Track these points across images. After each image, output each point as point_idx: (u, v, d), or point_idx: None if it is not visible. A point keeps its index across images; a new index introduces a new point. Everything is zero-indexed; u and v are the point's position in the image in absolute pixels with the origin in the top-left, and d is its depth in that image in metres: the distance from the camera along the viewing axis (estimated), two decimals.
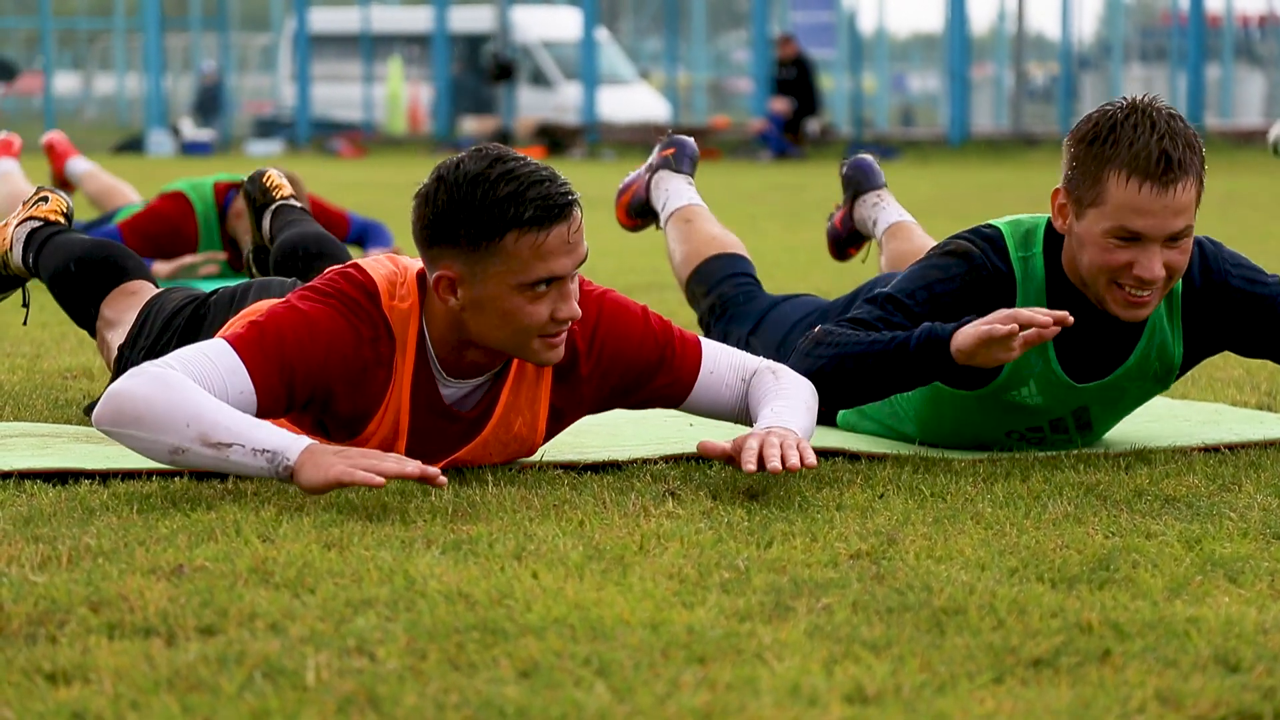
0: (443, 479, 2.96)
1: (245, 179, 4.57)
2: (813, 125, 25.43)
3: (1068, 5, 29.65)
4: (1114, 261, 3.36)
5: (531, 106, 32.15)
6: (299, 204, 4.46)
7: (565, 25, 34.64)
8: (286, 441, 2.93)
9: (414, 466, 2.93)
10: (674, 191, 4.67)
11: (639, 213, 4.81)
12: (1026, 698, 2.11)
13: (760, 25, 28.13)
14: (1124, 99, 3.39)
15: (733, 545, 2.79)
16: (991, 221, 3.56)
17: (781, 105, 24.79)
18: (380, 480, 2.89)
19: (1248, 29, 39.86)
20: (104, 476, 3.19)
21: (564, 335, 3.16)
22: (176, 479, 3.17)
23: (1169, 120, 3.33)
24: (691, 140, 4.83)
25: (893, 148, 25.79)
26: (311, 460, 2.92)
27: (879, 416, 3.77)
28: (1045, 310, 3.26)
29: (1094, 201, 3.34)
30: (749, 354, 3.45)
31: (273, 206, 4.43)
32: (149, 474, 3.20)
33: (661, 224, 4.67)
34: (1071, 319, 3.26)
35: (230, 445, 2.92)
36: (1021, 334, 3.25)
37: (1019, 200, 15.22)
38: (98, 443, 3.45)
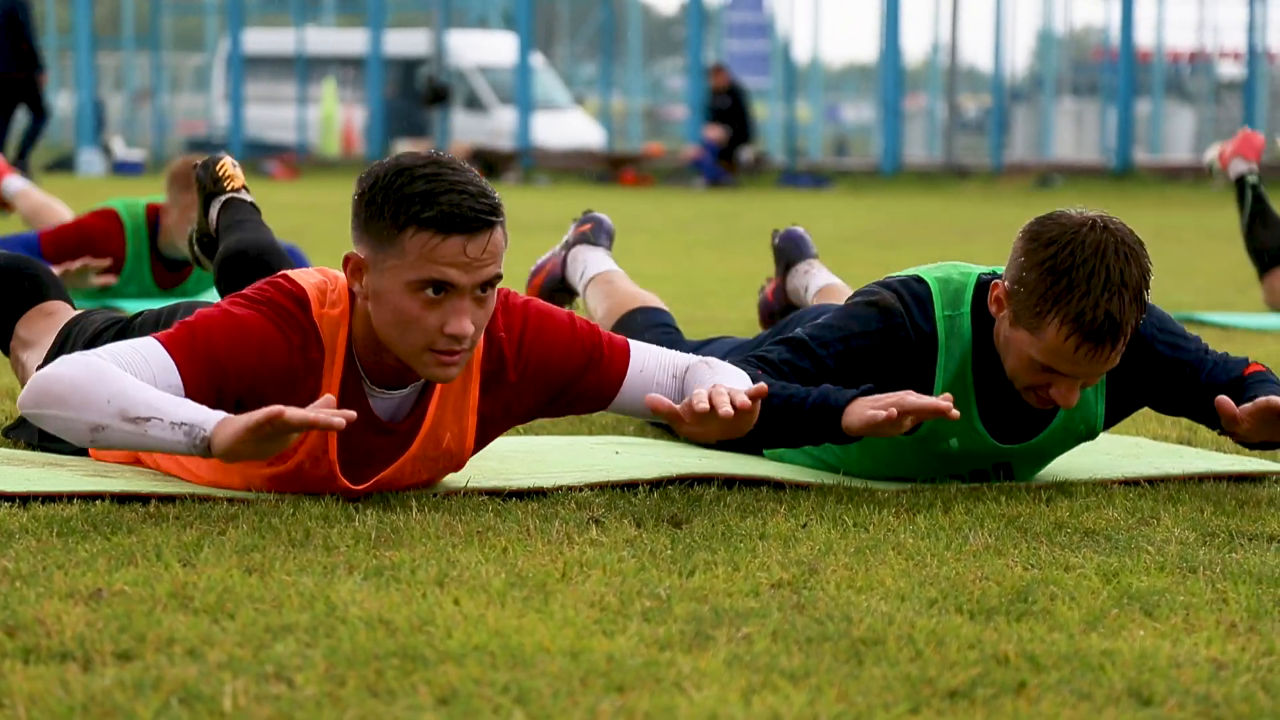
0: (340, 422, 2.91)
1: (198, 163, 4.50)
2: (747, 153, 25.54)
3: (1000, 38, 29.89)
4: (1035, 380, 3.43)
5: (466, 130, 32.14)
6: (249, 199, 4.42)
7: (501, 50, 34.66)
8: (204, 415, 2.95)
9: (313, 414, 2.90)
10: (592, 261, 4.67)
11: (552, 293, 4.76)
12: None
13: (695, 53, 28.23)
14: (1089, 221, 3.33)
15: (655, 573, 2.80)
16: (923, 274, 3.57)
17: (716, 133, 24.88)
18: (277, 410, 2.86)
19: (1178, 65, 40.26)
20: (24, 499, 3.17)
21: (458, 356, 3.13)
22: (98, 503, 3.16)
23: (1124, 267, 3.30)
24: (608, 218, 4.83)
25: (825, 177, 25.92)
26: (225, 425, 2.92)
27: (808, 448, 3.79)
28: (932, 401, 3.27)
29: (1031, 329, 3.37)
30: (681, 353, 3.45)
31: (222, 198, 4.39)
32: (70, 497, 3.18)
33: (581, 291, 4.65)
34: (958, 414, 3.29)
35: (149, 419, 2.93)
36: (917, 408, 3.27)
37: (949, 232, 15.33)
38: (17, 465, 3.43)
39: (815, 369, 3.49)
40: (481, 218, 3.08)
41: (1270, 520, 3.29)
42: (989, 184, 24.86)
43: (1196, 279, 10.16)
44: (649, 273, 10.25)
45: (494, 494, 3.37)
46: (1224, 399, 3.46)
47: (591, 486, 3.45)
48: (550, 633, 2.43)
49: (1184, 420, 4.55)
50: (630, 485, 3.46)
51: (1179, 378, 3.57)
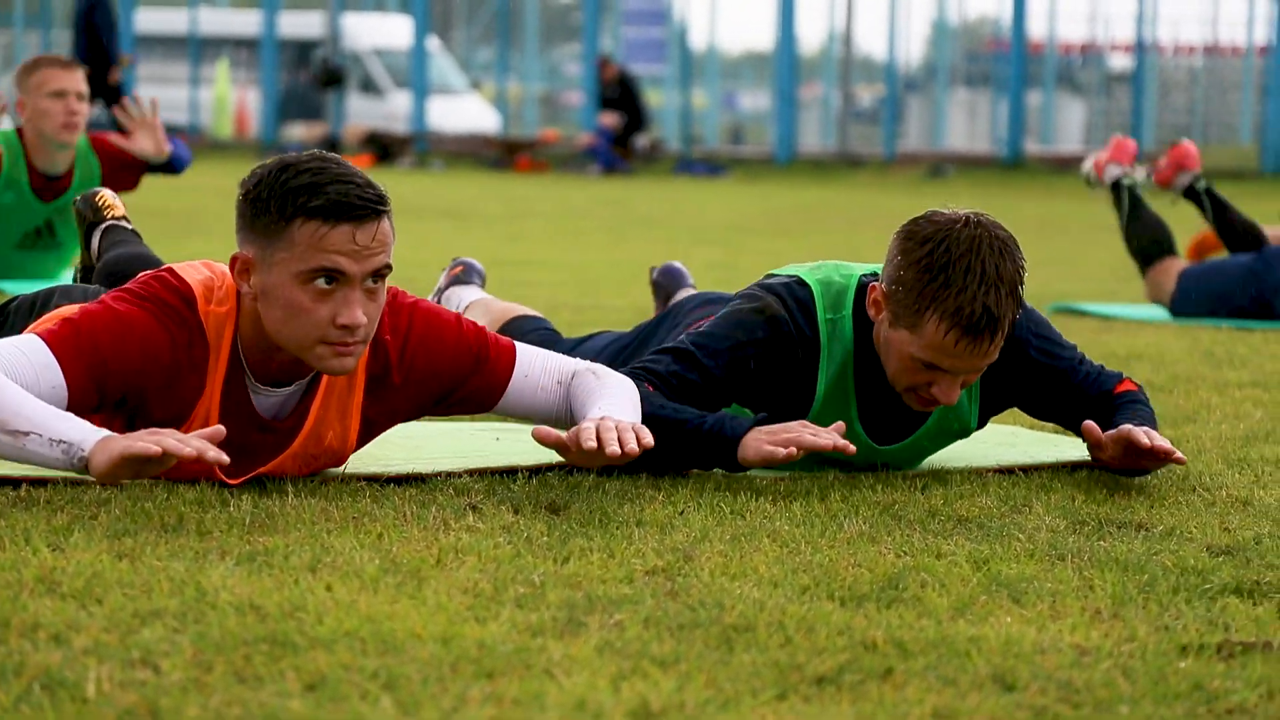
0: (223, 459, 2.91)
1: (77, 198, 4.52)
2: (642, 140, 25.55)
3: (894, 28, 30.04)
4: (914, 380, 3.46)
5: (360, 114, 31.96)
6: (129, 225, 4.42)
7: (396, 33, 34.49)
8: (84, 433, 2.91)
9: (192, 448, 2.89)
10: (467, 295, 4.77)
11: None
12: (808, 714, 2.14)
13: (591, 39, 28.21)
14: (961, 218, 3.38)
15: (530, 560, 2.81)
16: (804, 276, 3.59)
17: (611, 120, 24.89)
18: (156, 450, 2.85)
19: (1069, 57, 40.63)
20: None
21: (353, 347, 3.13)
22: None
23: (999, 262, 3.34)
24: (478, 262, 4.92)
25: (721, 165, 25.98)
26: (103, 447, 2.89)
27: None
28: (829, 440, 3.32)
29: (910, 327, 3.40)
30: (567, 357, 3.46)
31: (103, 225, 4.37)
32: None
33: None
34: (854, 449, 3.34)
35: (28, 434, 2.90)
36: (805, 446, 3.32)
37: (841, 221, 15.40)
38: None
39: (703, 380, 3.50)
40: (370, 206, 3.07)
41: (1139, 509, 3.34)
42: (882, 173, 25.01)
43: (1081, 269, 10.26)
44: (540, 259, 10.24)
45: (372, 480, 3.37)
46: (1090, 424, 3.51)
47: (470, 473, 3.46)
48: (422, 619, 2.43)
49: None
50: (509, 472, 3.47)
51: (1050, 382, 3.63)
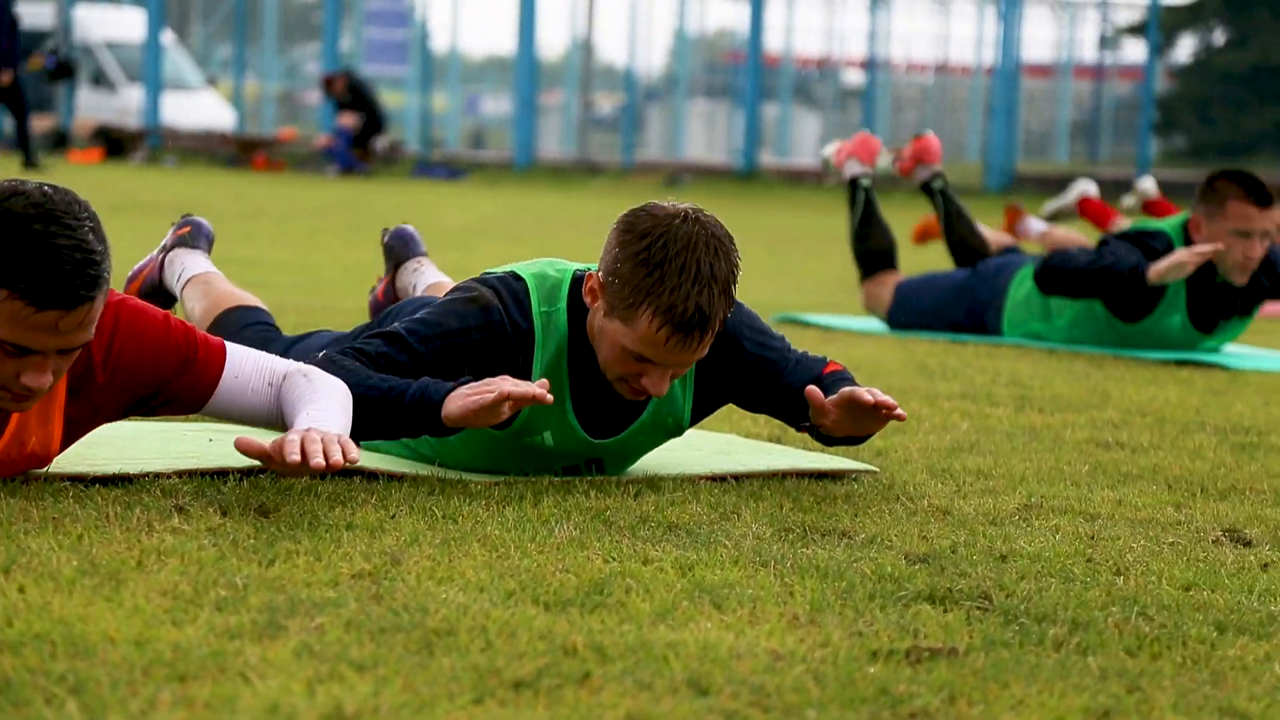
0: None
1: None
2: (381, 142, 25.40)
3: (635, 38, 30.27)
4: (627, 370, 3.49)
5: (92, 108, 31.30)
6: None
7: (130, 26, 33.83)
8: None
9: None
10: (190, 264, 4.58)
11: (154, 296, 4.62)
12: (503, 718, 2.16)
13: (332, 39, 27.97)
14: (680, 213, 3.41)
15: (235, 562, 2.78)
16: (519, 270, 3.62)
17: (350, 121, 24.69)
18: None
19: (805, 71, 41.31)
20: None
21: (32, 398, 3.05)
22: None
23: (713, 261, 3.38)
24: (207, 222, 4.73)
25: (461, 168, 25.93)
26: None
27: (403, 439, 3.79)
28: (528, 387, 3.30)
29: (624, 319, 3.43)
30: (279, 359, 3.42)
31: None
32: None
33: (179, 293, 4.57)
34: (551, 398, 3.33)
35: None
36: (516, 396, 3.30)
37: (578, 228, 15.46)
38: None
39: (412, 363, 3.50)
40: (82, 294, 2.95)
41: (844, 516, 3.42)
42: (619, 181, 25.17)
43: (808, 280, 10.44)
44: (271, 260, 10.12)
45: (77, 480, 3.30)
46: (814, 389, 3.57)
47: (180, 474, 3.41)
48: (117, 622, 2.40)
49: (775, 420, 4.69)
50: (220, 473, 3.43)
51: (764, 375, 3.68)
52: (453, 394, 3.35)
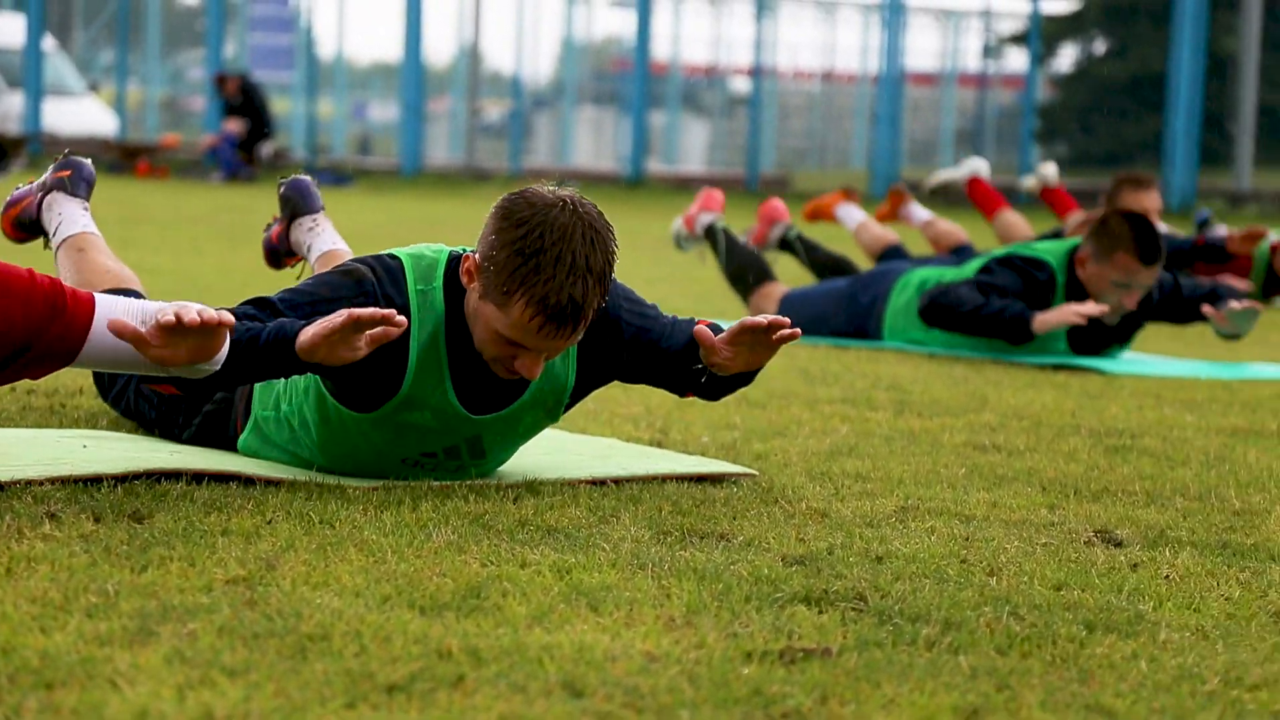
0: None
1: None
2: (267, 148, 25.22)
3: (522, 45, 30.24)
4: (501, 353, 3.49)
5: None
6: None
7: (9, 32, 33.38)
8: None
9: None
10: (67, 217, 4.49)
11: (27, 228, 4.63)
12: None
13: (215, 44, 27.75)
14: (559, 202, 3.40)
15: (106, 569, 2.75)
16: (396, 251, 3.61)
17: (235, 125, 24.51)
18: None
19: (693, 79, 41.44)
20: None
21: None
22: None
23: (589, 253, 3.37)
24: (89, 163, 4.63)
25: (347, 175, 25.80)
26: None
27: (281, 443, 3.77)
28: (384, 311, 3.28)
29: (498, 304, 3.42)
30: (151, 301, 3.36)
31: None
32: None
33: (53, 248, 4.52)
34: (405, 322, 3.31)
35: None
36: (368, 333, 3.28)
37: (464, 234, 15.41)
38: None
39: None
40: None
41: (722, 519, 3.43)
42: (507, 188, 25.10)
43: (694, 287, 10.47)
44: (151, 266, 10.03)
45: None
46: (702, 329, 3.58)
47: (53, 480, 3.37)
48: None
49: (658, 424, 4.70)
50: (94, 480, 3.39)
51: (644, 345, 3.69)
52: (305, 328, 3.33)
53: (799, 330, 3.58)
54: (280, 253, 4.87)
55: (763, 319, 3.52)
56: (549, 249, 3.37)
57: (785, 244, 7.91)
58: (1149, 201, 8.68)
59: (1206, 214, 12.23)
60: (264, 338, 3.35)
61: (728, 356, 3.58)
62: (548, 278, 3.36)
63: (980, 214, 9.87)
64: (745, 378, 3.69)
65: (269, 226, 4.90)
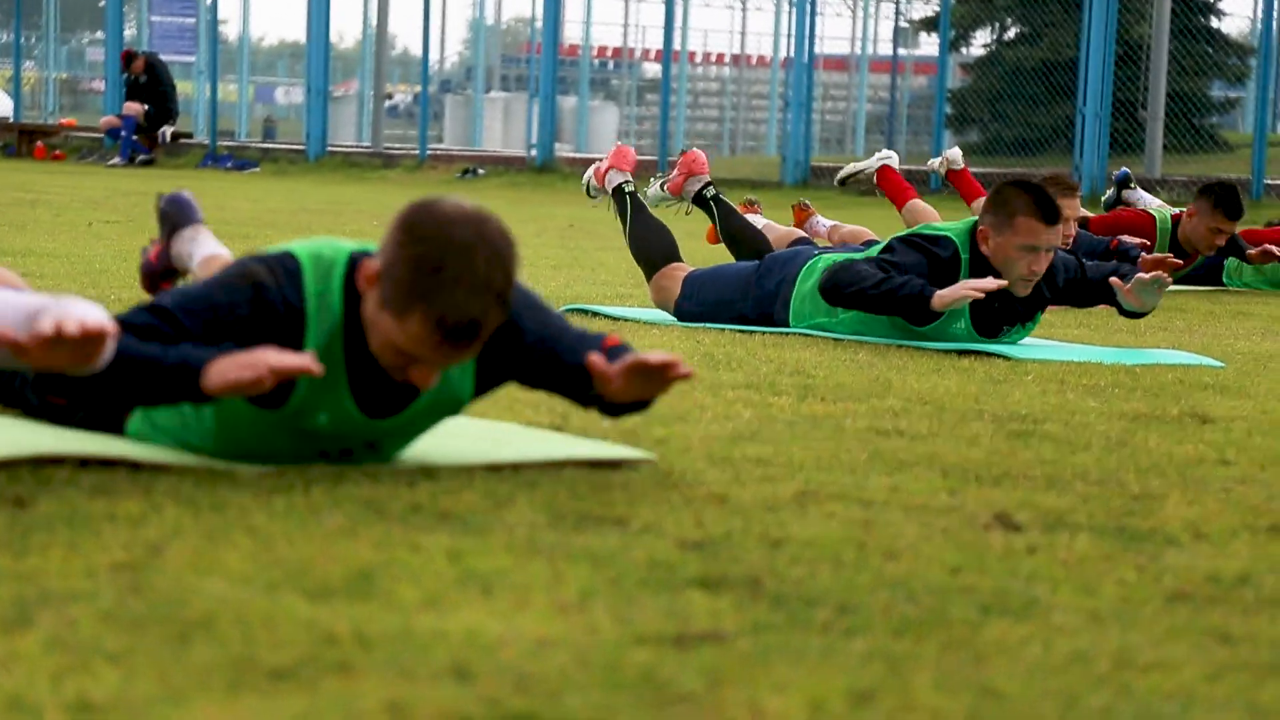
0: None
1: None
2: (167, 131, 24.97)
3: (429, 27, 30.07)
4: (394, 361, 3.45)
5: None
6: None
7: None
8: None
9: None
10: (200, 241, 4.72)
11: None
12: (259, 708, 2.10)
13: (115, 25, 27.44)
14: (462, 217, 3.35)
15: None
16: (295, 249, 3.55)
17: (136, 108, 24.25)
18: None
19: (603, 61, 41.37)
20: None
21: None
22: None
23: (490, 272, 3.32)
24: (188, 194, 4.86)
25: (251, 158, 25.58)
26: None
27: (171, 429, 3.71)
28: (294, 359, 3.27)
29: (396, 316, 3.37)
30: (35, 295, 3.30)
31: None
32: None
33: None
34: (321, 368, 3.28)
35: None
36: (276, 368, 3.26)
37: (367, 218, 15.31)
38: None
39: (178, 336, 3.42)
40: None
41: (619, 504, 3.40)
42: (414, 172, 24.98)
43: (600, 272, 10.43)
44: (45, 250, 9.90)
45: None
46: (596, 358, 3.55)
47: None
48: None
49: (557, 407, 4.66)
50: None
51: (544, 355, 3.66)
52: (215, 363, 3.29)
53: (692, 370, 3.56)
54: (158, 274, 4.87)
55: (656, 358, 3.50)
56: (449, 266, 3.32)
57: (701, 200, 7.83)
58: (1068, 210, 8.74)
59: (1125, 172, 12.35)
60: (168, 361, 3.32)
61: (619, 388, 3.56)
62: (447, 294, 3.31)
63: (891, 204, 9.89)
64: (640, 405, 3.67)
65: (145, 249, 4.89)
